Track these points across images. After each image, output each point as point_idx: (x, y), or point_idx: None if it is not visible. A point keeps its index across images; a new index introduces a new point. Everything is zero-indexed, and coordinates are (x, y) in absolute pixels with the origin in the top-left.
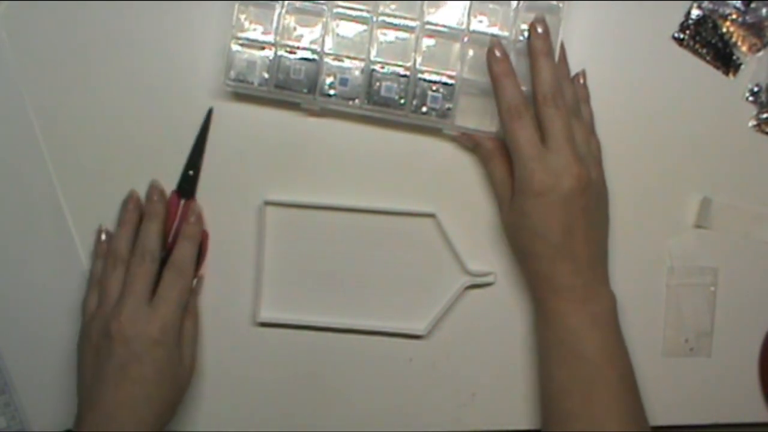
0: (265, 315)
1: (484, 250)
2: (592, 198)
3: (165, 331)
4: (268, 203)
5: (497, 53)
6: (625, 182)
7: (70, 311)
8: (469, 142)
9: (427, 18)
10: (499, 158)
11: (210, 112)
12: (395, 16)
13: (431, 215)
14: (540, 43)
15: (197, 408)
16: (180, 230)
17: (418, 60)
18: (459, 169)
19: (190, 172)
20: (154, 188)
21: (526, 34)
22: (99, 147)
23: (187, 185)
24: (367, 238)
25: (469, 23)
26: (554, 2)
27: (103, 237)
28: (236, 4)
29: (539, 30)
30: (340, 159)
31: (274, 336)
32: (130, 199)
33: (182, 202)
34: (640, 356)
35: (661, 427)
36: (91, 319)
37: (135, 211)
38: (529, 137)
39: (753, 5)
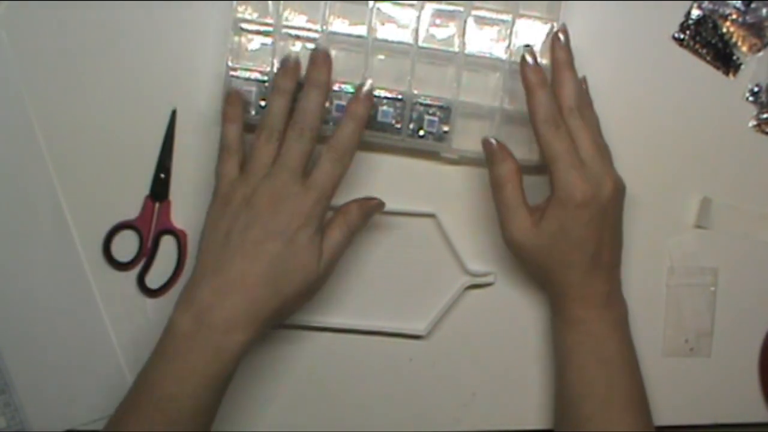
0: None
1: (484, 250)
2: (621, 204)
3: (312, 216)
4: None
5: (530, 60)
6: (626, 182)
7: (70, 311)
8: (492, 154)
9: (422, 42)
10: (516, 181)
11: (174, 114)
12: (390, 42)
13: (431, 215)
14: (563, 54)
15: None
16: (347, 108)
17: (414, 84)
18: (459, 170)
19: (161, 175)
20: (319, 52)
21: (521, 50)
22: (99, 147)
23: (159, 188)
24: (366, 238)
25: (464, 46)
26: (546, 24)
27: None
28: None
29: (562, 40)
30: None
31: (272, 335)
32: (288, 62)
33: (156, 205)
34: (640, 356)
35: (662, 427)
36: (232, 185)
37: (293, 78)
38: (569, 148)
39: (753, 5)
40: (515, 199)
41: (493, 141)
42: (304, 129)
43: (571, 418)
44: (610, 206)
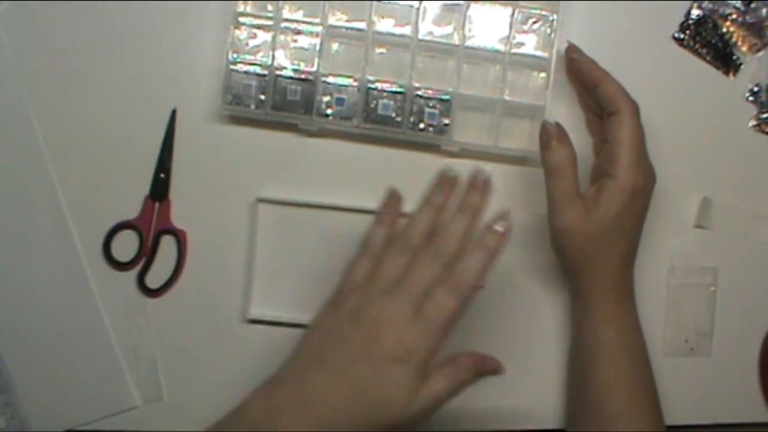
0: (255, 312)
1: None
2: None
3: (414, 352)
4: (260, 200)
5: (575, 54)
6: None
7: (70, 311)
8: (550, 139)
9: (421, 36)
10: (575, 168)
11: (174, 114)
12: (390, 35)
13: None
14: (587, 59)
15: (185, 406)
16: (478, 242)
17: (414, 76)
18: (456, 166)
19: (161, 175)
20: (479, 175)
21: (521, 44)
22: (99, 147)
23: (159, 188)
24: (359, 238)
25: (464, 39)
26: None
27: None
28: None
29: (578, 48)
30: (337, 164)
31: (264, 333)
32: (447, 176)
33: (156, 205)
34: None
35: None
36: (350, 290)
37: (448, 194)
38: (641, 135)
39: (753, 5)
40: (573, 187)
41: (553, 124)
42: (439, 255)
43: (595, 416)
44: (649, 198)
